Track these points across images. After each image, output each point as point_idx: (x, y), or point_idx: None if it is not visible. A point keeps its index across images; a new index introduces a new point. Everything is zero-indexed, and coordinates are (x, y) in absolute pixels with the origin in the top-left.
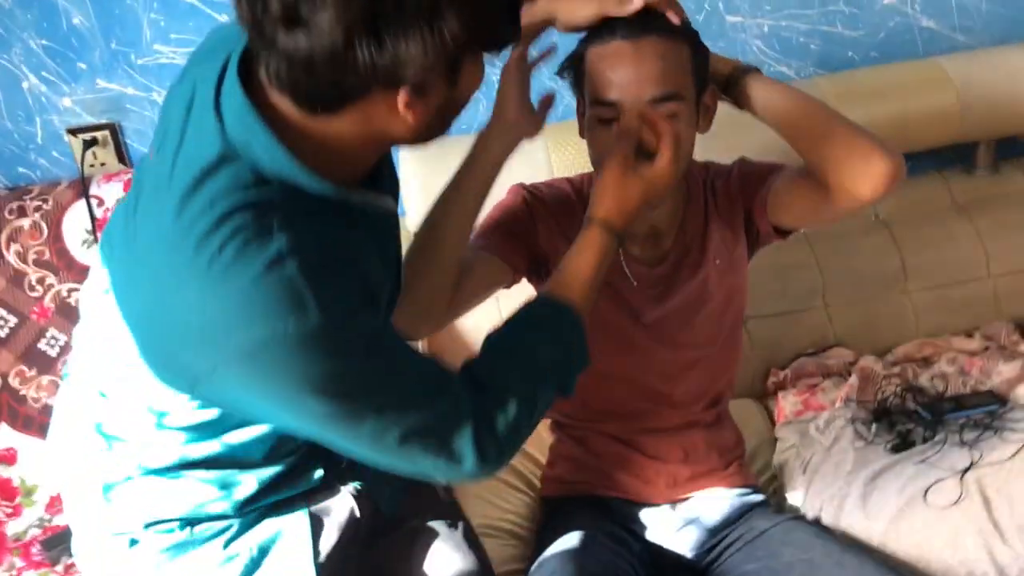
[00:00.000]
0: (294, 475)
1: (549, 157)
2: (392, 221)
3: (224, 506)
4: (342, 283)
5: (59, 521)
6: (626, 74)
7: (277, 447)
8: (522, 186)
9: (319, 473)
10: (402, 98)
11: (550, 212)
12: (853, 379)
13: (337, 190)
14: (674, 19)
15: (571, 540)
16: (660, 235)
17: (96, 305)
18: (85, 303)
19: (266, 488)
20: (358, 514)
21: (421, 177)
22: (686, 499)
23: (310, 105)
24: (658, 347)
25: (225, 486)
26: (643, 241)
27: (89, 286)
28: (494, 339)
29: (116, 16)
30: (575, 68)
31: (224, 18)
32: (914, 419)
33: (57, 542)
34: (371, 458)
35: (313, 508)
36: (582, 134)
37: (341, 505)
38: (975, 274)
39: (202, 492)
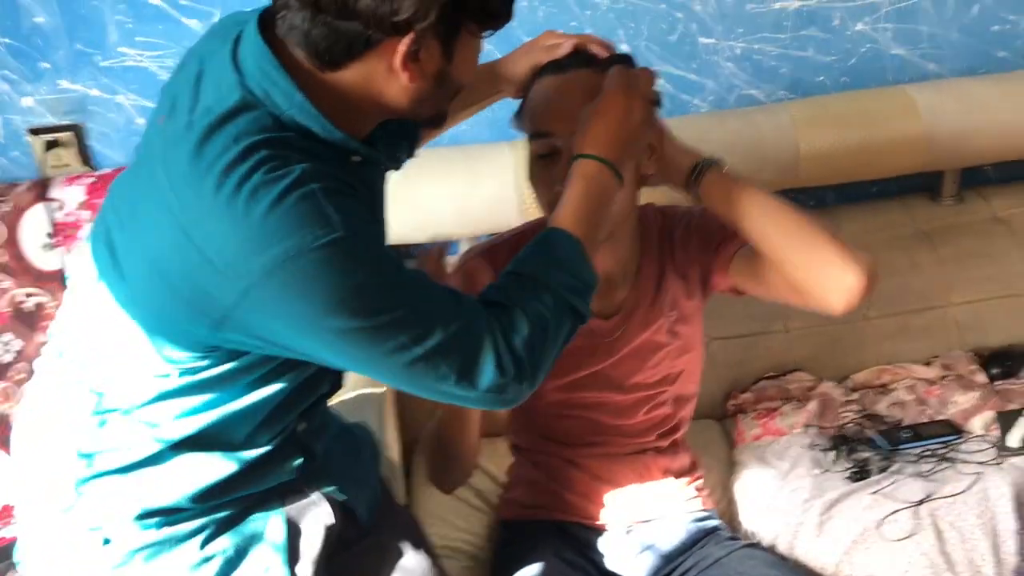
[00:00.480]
0: (272, 462)
1: (517, 175)
2: (384, 179)
3: (201, 496)
4: (356, 206)
5: (5, 533)
6: (555, 104)
7: (261, 425)
8: (461, 265)
9: (297, 461)
10: (400, 52)
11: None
12: (813, 405)
13: (346, 138)
14: (601, 52)
15: (531, 571)
16: (614, 285)
17: (86, 295)
18: (72, 297)
19: (245, 472)
20: (333, 521)
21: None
22: (642, 523)
23: (318, 56)
24: (609, 391)
25: (206, 471)
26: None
27: (75, 283)
28: (517, 268)
29: (81, 16)
30: (518, 117)
31: (192, 22)
32: (872, 447)
33: (3, 556)
34: (393, 380)
35: (289, 512)
36: (531, 179)
37: (318, 512)
38: (936, 302)
39: (183, 479)
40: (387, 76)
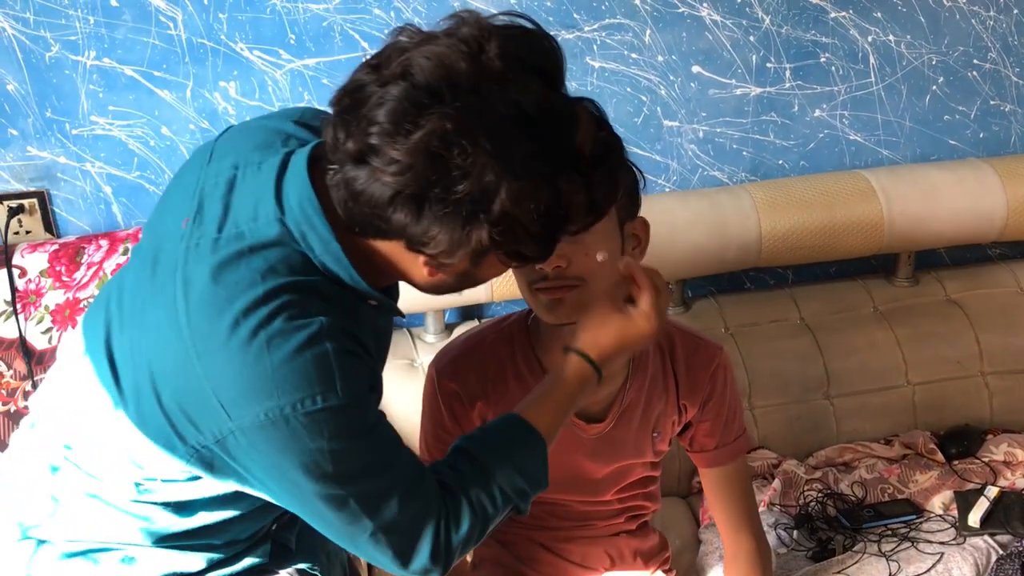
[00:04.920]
0: (242, 554)
1: None
2: (391, 322)
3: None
4: (361, 369)
5: None
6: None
7: (236, 527)
8: (433, 381)
9: (267, 548)
10: (423, 259)
11: (475, 396)
12: (776, 483)
13: (369, 289)
14: None
15: None
16: (602, 399)
17: (73, 368)
18: (60, 366)
19: (214, 565)
20: None
21: None
22: None
23: (350, 224)
24: (573, 487)
25: (172, 563)
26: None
27: (66, 350)
28: (464, 447)
29: (53, 85)
30: None
31: (164, 93)
32: (834, 526)
33: None
34: (337, 540)
35: None
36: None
37: None
38: (894, 382)
39: (147, 570)
40: (411, 263)
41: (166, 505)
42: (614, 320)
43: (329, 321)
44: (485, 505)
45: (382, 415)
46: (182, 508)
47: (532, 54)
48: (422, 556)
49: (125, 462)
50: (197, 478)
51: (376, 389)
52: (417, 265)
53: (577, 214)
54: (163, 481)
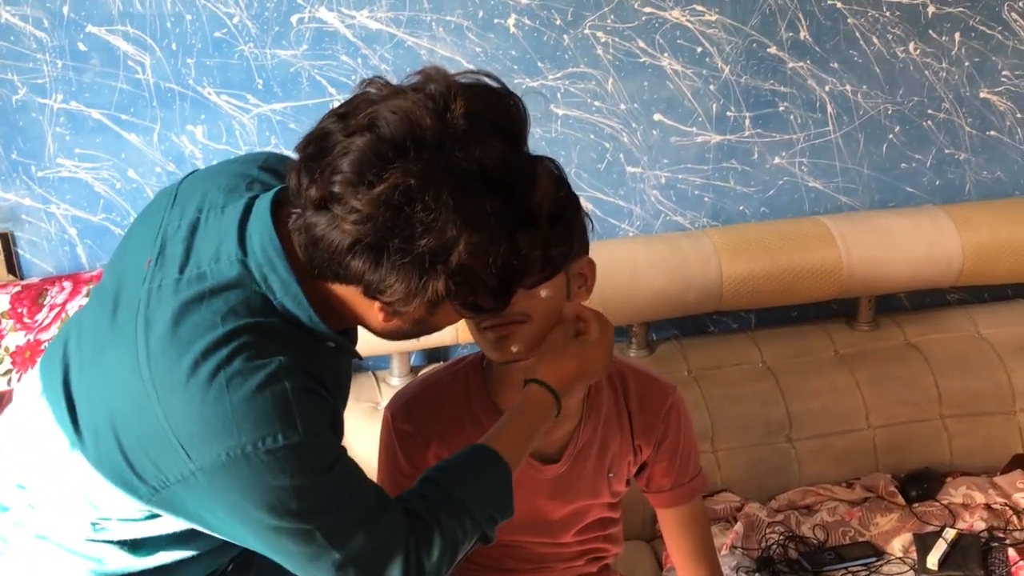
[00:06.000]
0: None
1: None
2: (350, 363)
3: None
4: (320, 406)
5: None
6: None
7: (193, 565)
8: (388, 423)
9: None
10: (378, 306)
11: (429, 437)
12: (739, 526)
13: (327, 331)
14: None
15: None
16: (557, 440)
17: (29, 408)
18: (16, 406)
19: None
20: None
21: None
22: None
23: (311, 266)
24: (531, 529)
25: None
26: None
27: (24, 390)
28: (432, 476)
29: (20, 127)
30: None
31: (131, 136)
32: (796, 569)
33: None
34: (302, 572)
35: None
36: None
37: None
38: (855, 425)
39: None
40: (367, 308)
41: (122, 544)
42: (572, 349)
43: (288, 360)
44: (455, 531)
45: (343, 450)
46: (137, 547)
47: (496, 114)
48: None
49: (80, 502)
50: (155, 516)
51: (336, 427)
52: (373, 311)
53: (533, 268)
54: (119, 520)
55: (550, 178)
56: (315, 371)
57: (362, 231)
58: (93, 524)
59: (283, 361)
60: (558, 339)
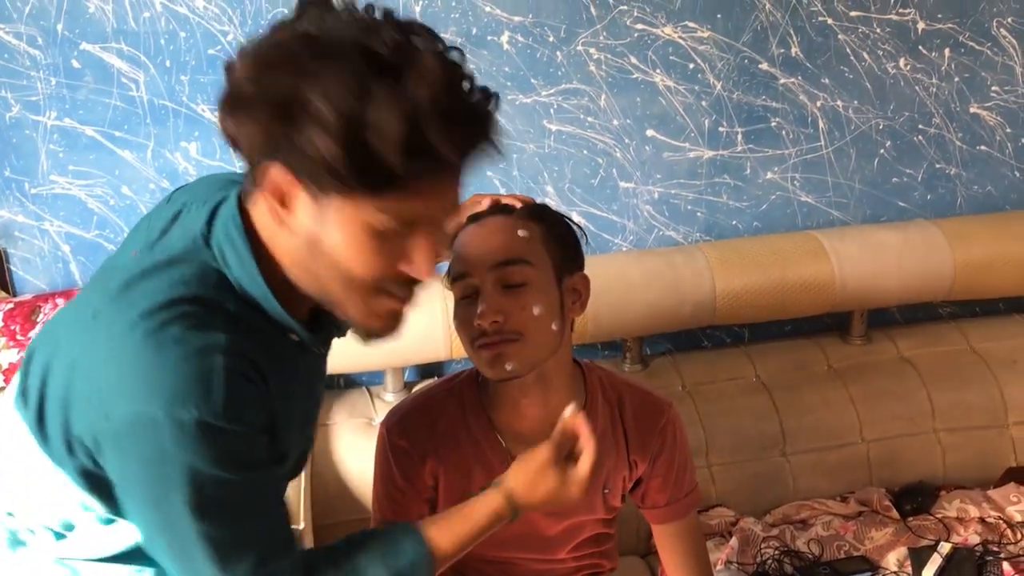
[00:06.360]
0: None
1: (447, 306)
2: (322, 365)
3: None
4: (253, 400)
5: None
6: (473, 247)
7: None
8: (384, 439)
9: None
10: (268, 180)
11: (425, 453)
12: (734, 541)
13: (285, 316)
14: (515, 203)
15: None
16: (543, 436)
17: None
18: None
19: None
20: None
21: None
22: None
23: (235, 147)
24: (525, 545)
25: None
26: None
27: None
28: (351, 537)
29: (13, 144)
30: (447, 275)
31: (125, 153)
32: None
33: None
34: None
35: None
36: (455, 322)
37: None
38: (849, 439)
39: None
40: (278, 225)
41: (86, 561)
42: (551, 478)
43: (230, 339)
44: None
45: (275, 471)
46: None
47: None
48: None
49: (54, 519)
50: (111, 521)
51: (276, 436)
52: (280, 226)
53: (392, 133)
54: (88, 534)
55: (439, 61)
56: (262, 363)
57: (238, 85)
58: (57, 535)
59: (224, 339)
60: (547, 456)
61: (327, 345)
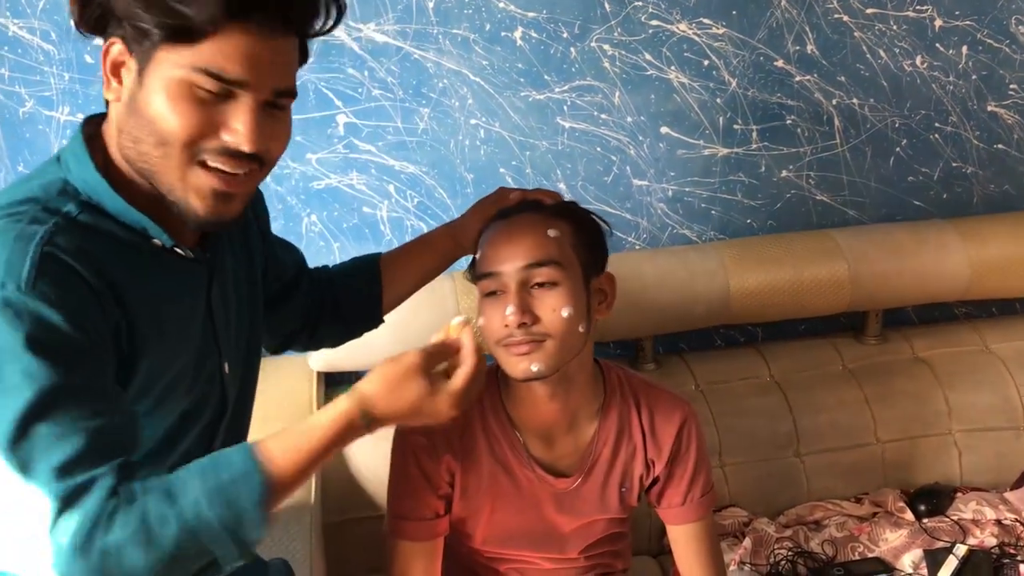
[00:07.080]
0: None
1: (457, 302)
2: (200, 277)
3: None
4: (79, 293)
5: None
6: (503, 245)
7: None
8: (402, 435)
9: None
10: (108, 67)
11: (442, 448)
12: (747, 541)
13: (140, 217)
14: (547, 200)
15: None
16: (560, 432)
17: None
18: None
19: None
20: None
21: None
22: None
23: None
24: (538, 544)
25: None
26: (552, 452)
27: None
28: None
29: (26, 140)
30: (471, 269)
31: None
32: None
33: None
34: None
35: None
36: (481, 316)
37: None
38: (864, 440)
39: None
40: (114, 103)
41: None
42: (417, 386)
43: (57, 234)
44: (152, 525)
45: (112, 373)
46: None
47: None
48: (65, 532)
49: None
50: None
51: (134, 338)
52: (114, 100)
53: None
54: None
55: None
56: (110, 266)
57: None
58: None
59: (47, 230)
60: (414, 361)
61: (213, 252)
